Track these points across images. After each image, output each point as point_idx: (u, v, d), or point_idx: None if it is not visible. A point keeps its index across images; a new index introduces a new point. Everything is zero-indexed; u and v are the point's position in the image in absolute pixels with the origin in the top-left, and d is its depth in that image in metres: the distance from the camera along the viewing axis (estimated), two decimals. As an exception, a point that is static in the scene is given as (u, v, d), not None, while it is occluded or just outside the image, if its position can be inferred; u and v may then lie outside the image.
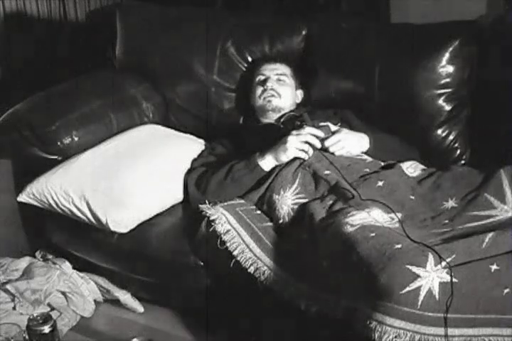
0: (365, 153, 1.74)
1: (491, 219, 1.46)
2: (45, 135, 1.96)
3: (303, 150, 1.69)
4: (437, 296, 1.23)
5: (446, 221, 1.49)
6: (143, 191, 1.80)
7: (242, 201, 1.71)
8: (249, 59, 2.18)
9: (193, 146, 2.02)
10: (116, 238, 1.79)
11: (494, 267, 1.28)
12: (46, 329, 1.46)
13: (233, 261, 1.55)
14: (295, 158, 1.70)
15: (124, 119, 2.14)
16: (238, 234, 1.59)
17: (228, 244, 1.56)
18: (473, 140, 1.97)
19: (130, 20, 2.34)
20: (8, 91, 2.54)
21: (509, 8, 2.64)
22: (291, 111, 1.98)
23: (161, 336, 1.81)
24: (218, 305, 1.76)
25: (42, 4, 2.97)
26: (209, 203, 1.68)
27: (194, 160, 1.91)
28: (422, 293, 1.23)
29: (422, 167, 1.77)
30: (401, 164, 1.71)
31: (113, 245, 1.81)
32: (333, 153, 1.70)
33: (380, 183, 1.61)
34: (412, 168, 1.72)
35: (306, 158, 1.68)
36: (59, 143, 1.97)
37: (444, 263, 1.27)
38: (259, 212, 1.68)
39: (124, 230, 1.78)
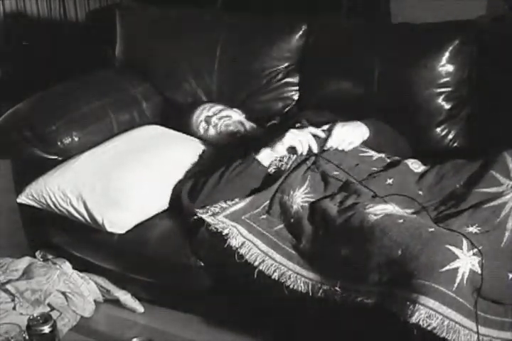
0: (367, 141, 1.74)
1: (499, 200, 1.46)
2: (45, 135, 1.96)
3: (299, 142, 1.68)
4: (465, 283, 1.25)
5: (459, 202, 1.51)
6: (141, 192, 1.79)
7: (242, 204, 1.67)
8: (250, 58, 2.19)
9: (192, 147, 2.00)
10: (116, 238, 1.78)
11: (511, 275, 1.31)
12: (46, 329, 1.46)
13: (256, 270, 1.52)
14: (302, 162, 1.70)
15: (124, 119, 2.14)
16: (253, 244, 1.56)
17: (247, 257, 1.54)
18: (473, 139, 1.97)
19: (130, 20, 2.34)
20: (8, 92, 2.53)
21: (509, 8, 2.65)
22: (291, 117, 1.99)
23: (161, 336, 1.80)
24: (218, 305, 1.77)
25: (42, 4, 2.98)
26: (202, 209, 1.66)
27: (187, 171, 1.87)
28: (459, 275, 1.25)
29: (420, 163, 1.78)
30: (406, 161, 1.71)
31: (113, 245, 1.80)
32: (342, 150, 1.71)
33: (390, 181, 1.62)
34: (416, 164, 1.72)
35: (300, 151, 1.68)
36: (59, 144, 1.97)
37: (475, 250, 1.29)
38: (264, 216, 1.66)
39: (121, 231, 1.76)
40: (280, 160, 1.73)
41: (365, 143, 1.75)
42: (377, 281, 1.35)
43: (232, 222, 1.60)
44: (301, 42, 2.14)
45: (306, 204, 1.63)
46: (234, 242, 1.56)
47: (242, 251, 1.54)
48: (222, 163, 1.74)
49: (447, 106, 1.94)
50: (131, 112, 2.17)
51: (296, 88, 2.19)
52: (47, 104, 2.06)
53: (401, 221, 1.37)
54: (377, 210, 1.44)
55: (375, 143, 1.76)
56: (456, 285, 1.24)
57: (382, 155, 1.76)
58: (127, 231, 1.78)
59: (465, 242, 1.30)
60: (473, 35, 1.92)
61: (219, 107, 2.03)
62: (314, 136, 1.71)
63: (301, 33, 2.13)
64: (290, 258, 1.53)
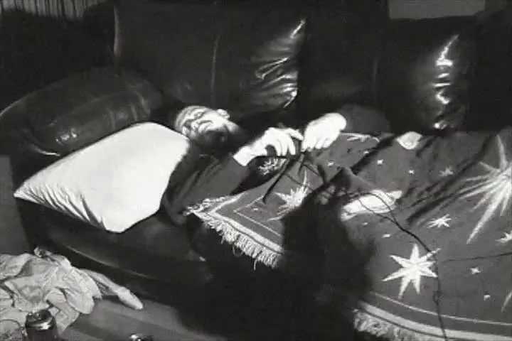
0: (347, 129, 1.74)
1: (482, 185, 1.45)
2: (43, 132, 1.95)
3: (277, 142, 1.67)
4: (418, 289, 1.23)
5: (440, 190, 1.50)
6: (140, 190, 1.77)
7: (233, 200, 1.66)
8: (248, 53, 2.17)
9: (191, 145, 1.98)
10: (115, 235, 1.77)
11: (475, 270, 1.27)
12: (45, 326, 1.45)
13: (255, 262, 1.53)
14: (293, 161, 1.69)
15: (122, 116, 2.13)
16: (249, 236, 1.56)
17: (244, 250, 1.54)
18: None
19: (128, 17, 2.33)
20: (7, 89, 2.52)
21: (508, 5, 2.64)
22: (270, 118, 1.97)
23: (160, 333, 1.80)
24: (218, 302, 1.76)
25: (40, 1, 2.96)
26: (193, 205, 1.66)
27: (172, 174, 1.84)
28: (404, 284, 1.23)
29: (419, 137, 1.76)
30: (398, 139, 1.70)
31: (112, 242, 1.80)
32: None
33: (380, 161, 1.62)
34: (409, 141, 1.71)
35: (279, 151, 1.67)
36: (57, 140, 1.96)
37: (429, 255, 1.27)
38: (257, 209, 1.65)
39: (120, 230, 1.75)
40: (271, 163, 1.72)
41: (348, 130, 1.75)
42: (333, 282, 1.36)
43: (225, 217, 1.59)
44: (299, 37, 2.13)
45: (307, 198, 1.64)
46: (229, 237, 1.55)
47: (238, 244, 1.54)
48: (201, 164, 1.73)
49: (446, 102, 1.94)
50: (130, 109, 2.16)
51: (295, 84, 2.19)
52: (45, 101, 2.06)
53: (365, 224, 1.37)
54: (353, 208, 1.44)
55: (357, 128, 1.75)
56: (401, 293, 1.23)
57: (369, 136, 1.75)
58: (126, 229, 1.77)
59: (415, 249, 1.28)
60: (473, 31, 1.92)
61: (201, 110, 2.00)
62: (293, 138, 1.70)
63: (299, 27, 2.12)
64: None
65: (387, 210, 1.44)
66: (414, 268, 1.25)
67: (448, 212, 1.38)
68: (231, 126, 1.97)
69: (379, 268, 1.25)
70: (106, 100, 2.10)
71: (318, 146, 1.68)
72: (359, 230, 1.35)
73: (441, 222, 1.36)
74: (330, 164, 1.67)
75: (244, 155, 1.70)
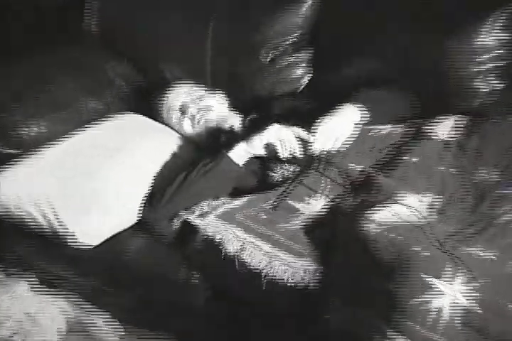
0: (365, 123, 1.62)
1: None
2: (2, 123, 1.84)
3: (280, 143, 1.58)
4: (450, 319, 1.14)
5: (489, 205, 1.37)
6: (120, 195, 1.66)
7: (236, 203, 1.55)
8: (249, 31, 2.00)
9: (182, 141, 1.86)
10: (92, 249, 1.65)
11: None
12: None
13: (264, 276, 1.40)
14: (308, 165, 1.58)
15: (98, 105, 1.99)
16: (255, 246, 1.45)
17: (249, 262, 1.42)
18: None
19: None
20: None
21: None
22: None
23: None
24: (217, 327, 1.63)
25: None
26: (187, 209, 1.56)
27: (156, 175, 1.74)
28: (434, 310, 1.15)
29: (462, 121, 1.62)
30: (433, 127, 1.60)
31: (87, 257, 1.67)
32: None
33: (412, 158, 1.53)
34: (447, 129, 1.60)
35: (280, 152, 1.58)
36: (18, 134, 1.83)
37: (466, 280, 1.17)
38: (264, 216, 1.52)
39: (95, 242, 1.63)
40: (284, 168, 1.63)
41: (368, 122, 1.64)
42: (350, 301, 1.28)
43: (225, 224, 1.49)
44: (312, 10, 1.96)
45: (324, 207, 1.54)
46: (231, 248, 1.44)
47: (242, 256, 1.43)
48: (191, 163, 1.65)
49: (489, 87, 1.75)
50: (107, 97, 2.03)
51: (307, 67, 2.01)
52: (5, 85, 1.93)
53: (392, 235, 1.28)
54: (382, 217, 1.34)
55: (379, 118, 1.63)
56: (430, 321, 1.14)
57: (395, 126, 1.65)
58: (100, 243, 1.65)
59: (452, 270, 1.19)
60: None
61: (200, 92, 1.88)
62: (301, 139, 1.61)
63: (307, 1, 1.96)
64: (303, 257, 1.43)
65: (423, 220, 1.34)
66: (448, 293, 1.16)
67: (494, 239, 1.26)
68: (231, 119, 1.84)
69: (406, 287, 1.17)
70: (79, 85, 1.98)
71: (331, 147, 1.57)
72: (388, 243, 1.27)
73: (487, 253, 1.24)
74: (351, 166, 1.57)
75: (240, 153, 1.60)
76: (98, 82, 2.04)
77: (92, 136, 1.83)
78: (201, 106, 1.84)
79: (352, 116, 1.59)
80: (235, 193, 1.63)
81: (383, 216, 1.35)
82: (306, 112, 1.70)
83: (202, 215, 1.53)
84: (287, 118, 1.65)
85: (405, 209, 1.38)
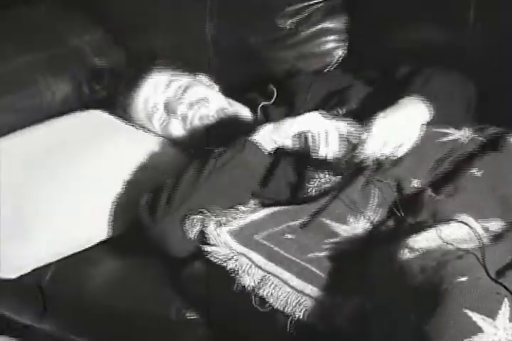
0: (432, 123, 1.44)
1: None
2: None
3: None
4: None
5: None
6: (63, 215, 1.47)
7: (255, 218, 1.35)
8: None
9: (150, 147, 1.61)
10: (47, 281, 1.44)
11: None
12: None
13: (290, 320, 1.25)
14: (358, 171, 1.38)
15: (61, 87, 1.70)
16: (279, 279, 1.28)
17: (272, 300, 1.25)
18: None
19: None
20: None
21: None
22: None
23: None
24: None
25: None
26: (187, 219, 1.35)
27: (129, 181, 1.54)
28: None
29: None
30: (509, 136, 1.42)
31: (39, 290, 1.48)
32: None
33: (476, 171, 1.38)
34: None
35: (312, 147, 1.37)
36: None
37: None
38: (290, 236, 1.35)
39: (14, 274, 1.44)
40: (320, 177, 1.44)
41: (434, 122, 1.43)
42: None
43: (241, 246, 1.31)
44: None
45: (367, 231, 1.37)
46: (247, 280, 1.28)
47: (262, 292, 1.27)
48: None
49: None
50: (74, 76, 1.72)
51: (341, 37, 1.77)
52: None
53: (433, 264, 1.16)
54: (419, 241, 1.21)
55: (448, 117, 1.43)
56: None
57: (472, 133, 1.44)
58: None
59: (507, 308, 1.04)
60: None
61: (184, 81, 1.62)
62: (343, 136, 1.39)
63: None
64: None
65: (475, 244, 1.20)
66: (500, 336, 1.02)
67: None
68: (233, 108, 1.60)
69: (448, 328, 1.02)
70: (36, 60, 1.70)
71: (390, 153, 1.36)
72: (423, 273, 1.14)
73: None
74: (414, 181, 1.36)
75: (266, 138, 1.38)
76: (62, 55, 1.74)
77: (38, 138, 1.59)
78: (193, 99, 1.59)
79: (420, 114, 1.38)
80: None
81: (419, 239, 1.21)
82: (345, 99, 1.45)
83: (217, 225, 1.35)
84: (317, 108, 1.42)
85: (453, 230, 1.21)
